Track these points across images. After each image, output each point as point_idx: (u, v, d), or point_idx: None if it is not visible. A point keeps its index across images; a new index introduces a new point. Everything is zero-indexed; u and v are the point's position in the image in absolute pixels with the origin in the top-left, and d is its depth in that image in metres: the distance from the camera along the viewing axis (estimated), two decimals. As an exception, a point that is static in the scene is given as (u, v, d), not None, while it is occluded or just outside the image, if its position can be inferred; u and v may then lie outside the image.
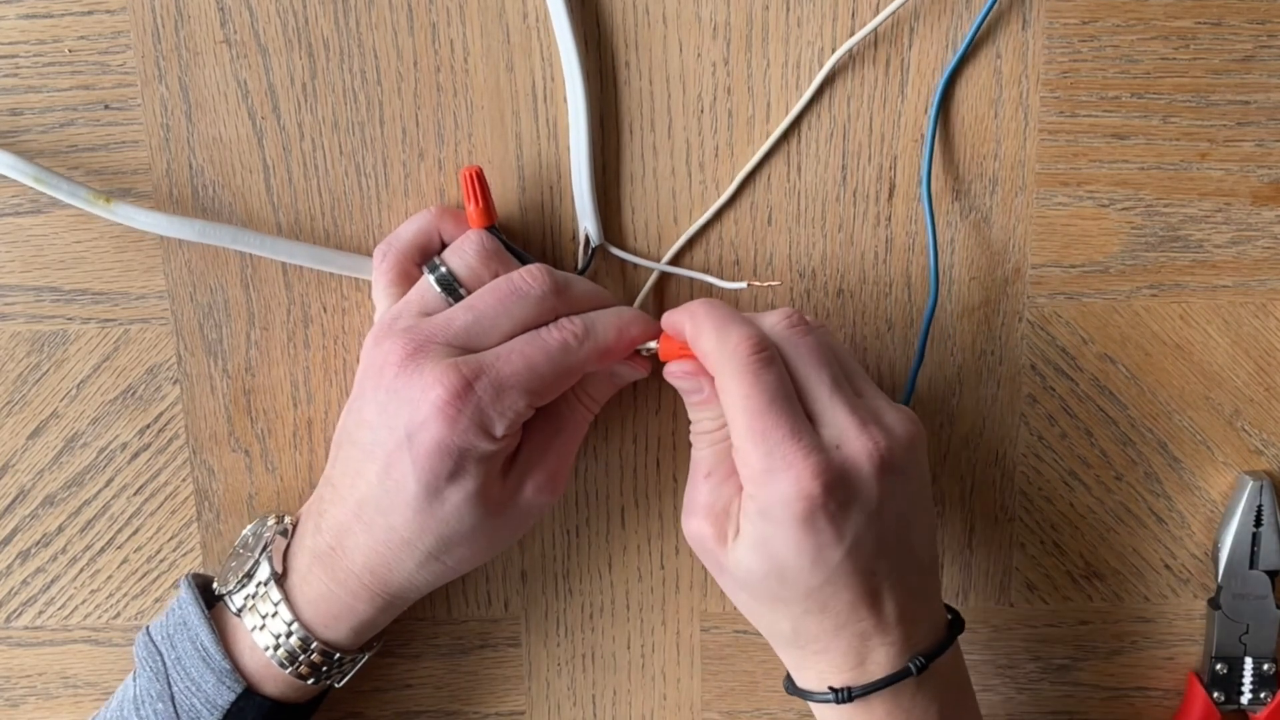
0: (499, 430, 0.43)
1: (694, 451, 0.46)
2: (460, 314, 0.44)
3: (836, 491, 0.41)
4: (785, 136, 0.49)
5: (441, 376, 0.42)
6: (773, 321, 0.44)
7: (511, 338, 0.44)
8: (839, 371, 0.44)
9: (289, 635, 0.45)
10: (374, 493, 0.44)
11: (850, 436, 0.42)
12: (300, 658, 0.46)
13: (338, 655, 0.46)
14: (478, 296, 0.45)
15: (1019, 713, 0.56)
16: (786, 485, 0.41)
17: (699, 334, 0.44)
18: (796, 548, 0.42)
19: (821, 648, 0.44)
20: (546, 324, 0.45)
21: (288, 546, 0.47)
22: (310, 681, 0.46)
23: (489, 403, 0.42)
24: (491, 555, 0.48)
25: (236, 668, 0.45)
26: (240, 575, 0.47)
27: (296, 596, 0.46)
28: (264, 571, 0.46)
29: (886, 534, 0.43)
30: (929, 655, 0.44)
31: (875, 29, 0.48)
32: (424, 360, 0.43)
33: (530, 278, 0.45)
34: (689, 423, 0.47)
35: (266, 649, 0.45)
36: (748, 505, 0.43)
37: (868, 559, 0.43)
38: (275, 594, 0.46)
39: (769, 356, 0.42)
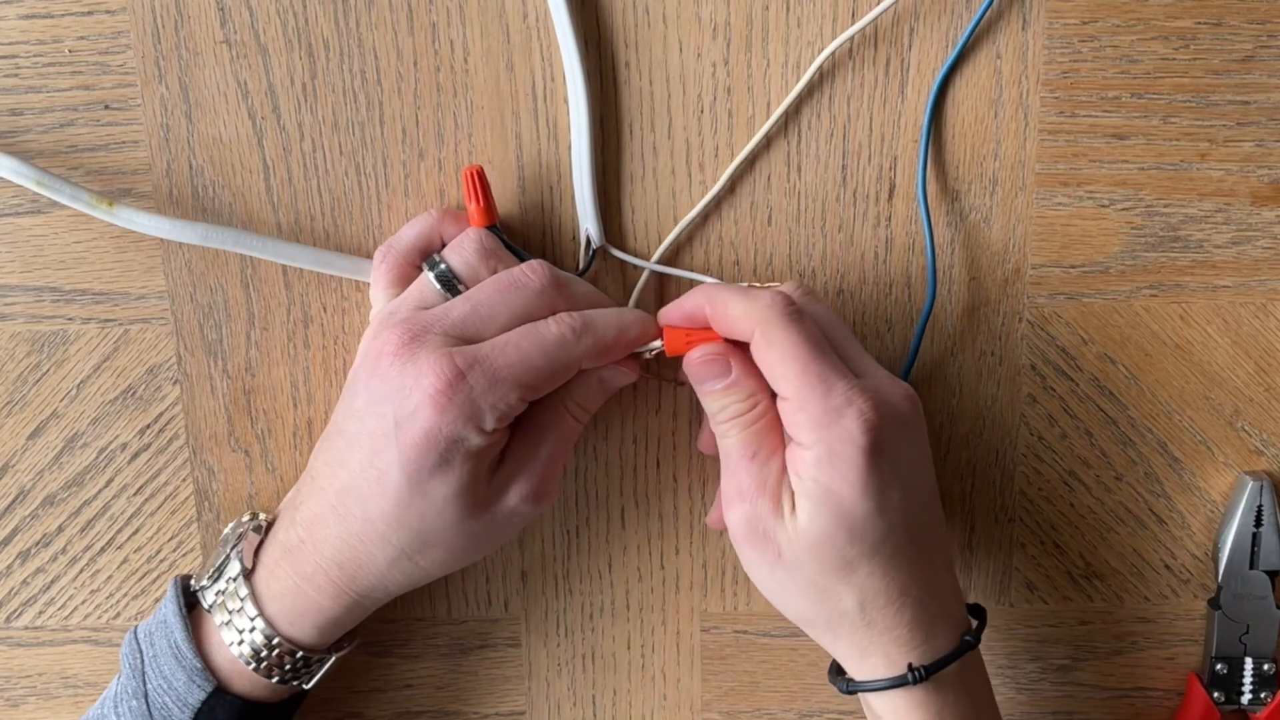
0: (489, 423, 0.42)
1: (727, 440, 0.45)
2: (459, 305, 0.44)
3: (891, 423, 0.42)
4: (785, 137, 0.49)
5: (435, 364, 0.42)
6: (790, 289, 0.45)
7: (509, 328, 0.44)
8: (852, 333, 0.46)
9: (252, 630, 0.45)
10: (355, 481, 0.43)
11: (885, 382, 0.44)
12: (264, 655, 0.45)
13: (301, 654, 0.46)
14: (477, 289, 0.45)
15: (1019, 713, 0.56)
16: (850, 420, 0.42)
17: (724, 304, 0.44)
18: (863, 488, 0.42)
19: (890, 621, 0.44)
20: (544, 318, 0.45)
21: (260, 542, 0.47)
22: (275, 680, 0.46)
23: (481, 393, 0.42)
24: (466, 563, 0.47)
25: (209, 666, 0.45)
26: (211, 571, 0.47)
27: (262, 591, 0.45)
28: (234, 567, 0.46)
29: (924, 485, 0.45)
30: (975, 632, 0.45)
31: (874, 26, 0.48)
32: (419, 348, 0.42)
33: (530, 271, 0.45)
34: (700, 422, 0.47)
35: (231, 644, 0.45)
36: (806, 458, 0.42)
37: (918, 509, 0.44)
38: (243, 589, 0.45)
39: (801, 310, 0.43)
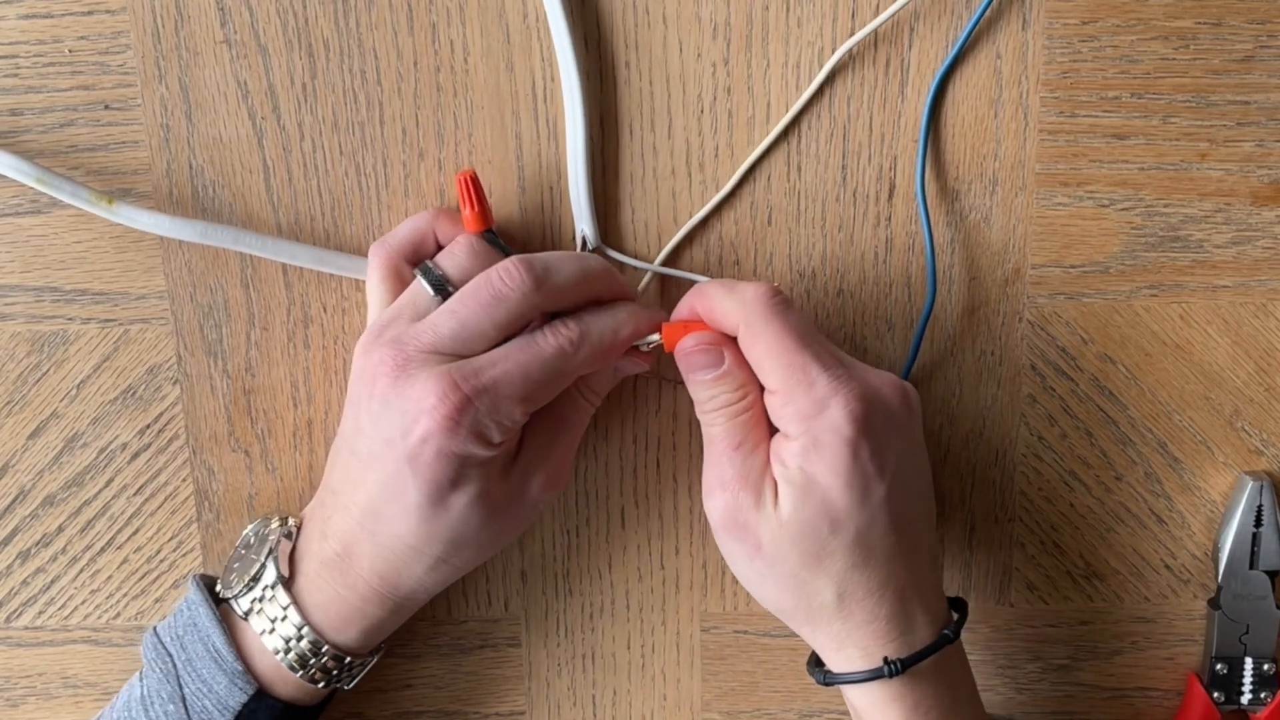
0: (496, 438, 0.43)
1: (712, 429, 0.45)
2: (445, 320, 0.44)
3: (878, 415, 0.43)
4: (785, 136, 0.49)
5: (436, 388, 0.42)
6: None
7: (498, 340, 0.44)
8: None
9: (299, 639, 0.45)
10: (376, 503, 0.44)
11: (872, 375, 0.44)
12: (311, 661, 0.46)
13: (348, 659, 0.47)
14: (458, 300, 0.44)
15: (1019, 713, 0.56)
16: (835, 411, 0.42)
17: (711, 299, 0.44)
18: (847, 479, 0.42)
19: (868, 613, 0.44)
20: (533, 321, 0.44)
21: (293, 550, 0.47)
22: (321, 685, 0.46)
23: (486, 413, 0.42)
24: (496, 551, 0.48)
25: (249, 670, 0.45)
26: (246, 578, 0.47)
27: (305, 600, 0.46)
28: (270, 575, 0.46)
29: (914, 479, 0.45)
30: (954, 626, 0.46)
31: (875, 30, 0.48)
32: (416, 371, 0.42)
33: (507, 277, 0.43)
34: (692, 417, 0.47)
35: (276, 652, 0.45)
36: (791, 449, 0.43)
37: (903, 502, 0.44)
38: (283, 598, 0.46)
39: (788, 300, 0.44)
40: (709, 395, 0.45)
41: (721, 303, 0.44)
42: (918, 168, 0.49)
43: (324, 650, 0.46)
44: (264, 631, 0.46)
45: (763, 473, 0.44)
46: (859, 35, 0.47)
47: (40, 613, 0.54)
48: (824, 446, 0.42)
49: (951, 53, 0.48)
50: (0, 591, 0.53)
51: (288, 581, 0.46)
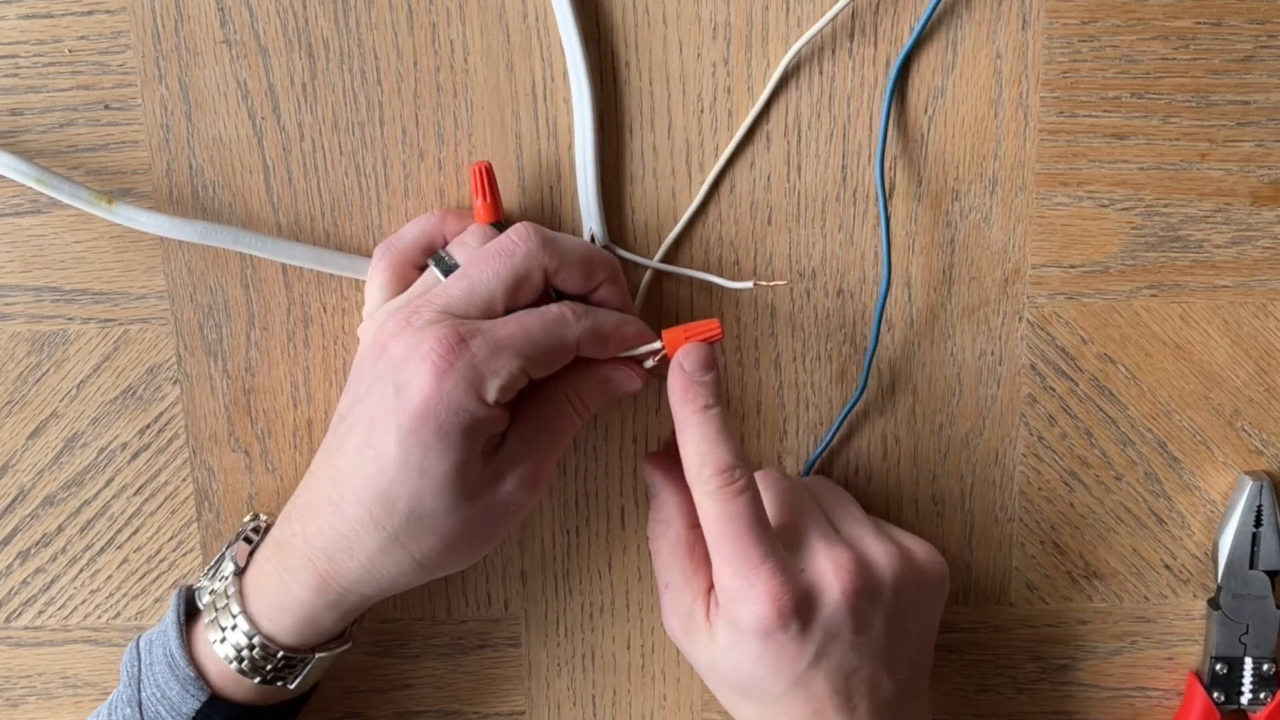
0: (491, 393, 0.42)
1: (652, 552, 0.49)
2: (455, 281, 0.44)
3: (799, 614, 0.43)
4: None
5: (436, 331, 0.42)
6: (764, 470, 0.50)
7: (506, 301, 0.44)
8: (848, 509, 0.49)
9: (234, 628, 0.45)
10: (351, 464, 0.43)
11: (818, 562, 0.45)
12: (244, 654, 0.45)
13: (282, 654, 0.45)
14: (469, 263, 0.45)
15: (1019, 712, 0.56)
16: (752, 604, 0.43)
17: (683, 442, 0.46)
18: (759, 658, 0.44)
19: None
20: (537, 281, 0.45)
21: (258, 541, 0.47)
22: (257, 680, 0.45)
23: (483, 360, 0.42)
24: (458, 560, 0.45)
25: (202, 674, 0.45)
26: (209, 571, 0.47)
27: (249, 588, 0.45)
28: (227, 566, 0.46)
29: (859, 655, 0.45)
30: None
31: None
32: (420, 324, 0.42)
33: (516, 237, 0.44)
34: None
35: (214, 642, 0.45)
36: (720, 611, 0.45)
37: (835, 675, 0.44)
38: (231, 587, 0.45)
39: (741, 486, 0.44)
40: (653, 508, 0.49)
41: (685, 456, 0.45)
42: (878, 149, 0.48)
43: (255, 640, 0.44)
44: (209, 621, 0.45)
45: (691, 608, 0.46)
46: (824, 20, 0.47)
47: (40, 613, 0.54)
48: (740, 629, 0.44)
49: (914, 34, 0.47)
50: (0, 591, 0.53)
51: (241, 571, 0.46)
